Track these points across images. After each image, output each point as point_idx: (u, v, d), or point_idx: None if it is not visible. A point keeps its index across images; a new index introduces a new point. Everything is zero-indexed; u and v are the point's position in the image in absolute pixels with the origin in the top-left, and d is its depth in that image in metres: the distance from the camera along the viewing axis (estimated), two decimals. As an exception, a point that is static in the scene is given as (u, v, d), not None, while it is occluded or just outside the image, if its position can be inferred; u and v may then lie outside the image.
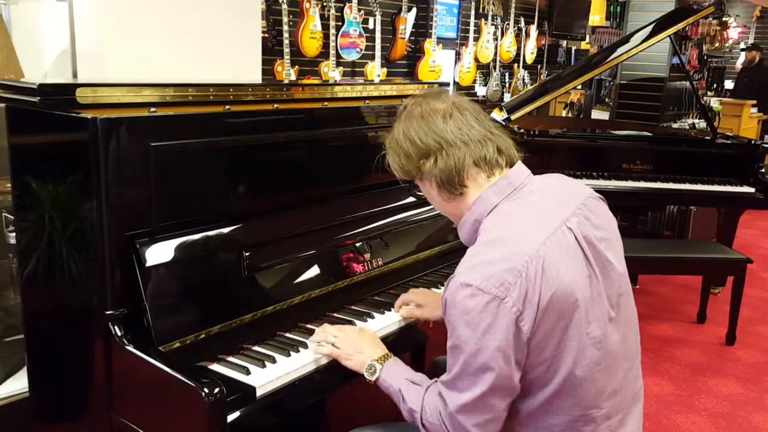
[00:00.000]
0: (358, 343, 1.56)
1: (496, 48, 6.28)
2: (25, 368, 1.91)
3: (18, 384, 2.18)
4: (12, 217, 2.04)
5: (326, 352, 1.57)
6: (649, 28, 4.20)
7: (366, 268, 1.96)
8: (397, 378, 1.46)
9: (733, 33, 8.84)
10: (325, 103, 2.07)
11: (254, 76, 3.04)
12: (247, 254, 1.67)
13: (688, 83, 5.90)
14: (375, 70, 5.08)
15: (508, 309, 1.23)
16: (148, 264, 1.49)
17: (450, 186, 1.39)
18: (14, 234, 1.98)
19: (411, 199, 2.19)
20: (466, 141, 1.38)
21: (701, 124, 6.15)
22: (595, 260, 1.35)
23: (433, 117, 1.39)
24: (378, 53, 5.05)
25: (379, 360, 1.50)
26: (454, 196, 1.41)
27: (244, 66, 2.96)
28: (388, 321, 1.80)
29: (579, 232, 1.34)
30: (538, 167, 1.48)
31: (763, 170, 4.08)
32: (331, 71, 4.79)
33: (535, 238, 1.28)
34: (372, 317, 1.80)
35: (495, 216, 1.37)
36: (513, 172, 1.41)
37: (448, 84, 2.66)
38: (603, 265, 1.36)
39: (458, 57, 5.97)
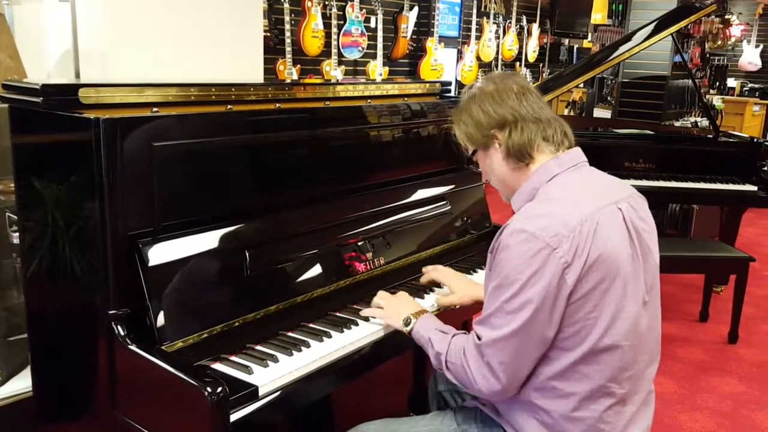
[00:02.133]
0: (398, 304, 1.73)
1: (498, 46, 6.28)
2: (28, 367, 1.91)
3: (21, 383, 2.18)
4: (15, 217, 2.05)
5: (370, 313, 1.76)
6: (651, 27, 4.19)
7: (368, 267, 1.96)
8: (428, 328, 1.58)
9: (735, 31, 8.83)
10: (327, 103, 2.07)
11: (256, 75, 3.04)
12: (249, 254, 1.67)
13: (690, 81, 5.89)
14: (377, 68, 5.08)
15: (557, 259, 1.31)
16: (150, 264, 1.49)
17: (520, 156, 1.49)
18: (18, 234, 1.98)
19: (413, 198, 2.19)
20: (538, 119, 1.49)
21: (704, 122, 6.13)
22: (639, 243, 1.43)
23: (508, 93, 1.50)
24: (380, 52, 5.05)
25: (414, 315, 1.65)
26: (520, 167, 1.50)
27: (245, 65, 2.97)
28: (390, 320, 1.80)
29: (627, 215, 1.43)
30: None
31: (765, 168, 4.07)
32: (333, 70, 4.79)
33: (591, 204, 1.39)
34: (374, 316, 1.80)
35: (554, 183, 1.46)
36: (574, 151, 1.52)
37: (449, 83, 2.66)
38: (644, 250, 1.45)
39: (460, 55, 5.97)
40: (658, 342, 1.53)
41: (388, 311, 1.72)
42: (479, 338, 1.40)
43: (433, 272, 1.98)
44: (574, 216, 1.34)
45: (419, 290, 1.99)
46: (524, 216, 1.38)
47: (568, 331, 1.36)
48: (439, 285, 2.01)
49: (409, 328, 1.63)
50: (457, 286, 1.91)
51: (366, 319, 1.78)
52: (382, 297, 1.78)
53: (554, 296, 1.32)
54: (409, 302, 1.75)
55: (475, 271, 2.20)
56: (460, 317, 2.09)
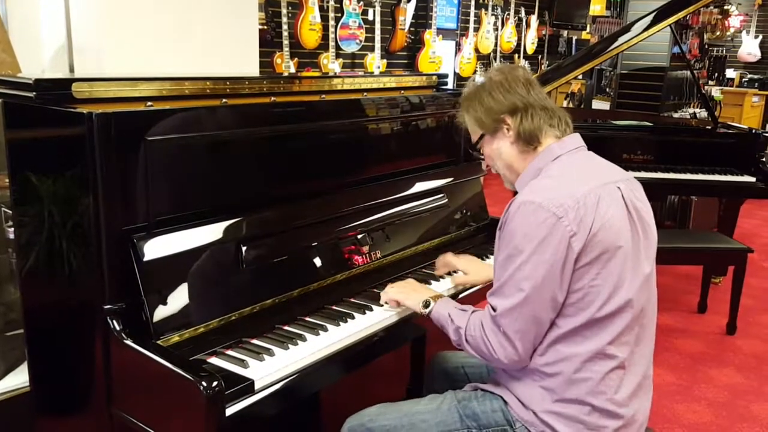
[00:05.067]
0: (415, 287, 1.83)
1: (496, 38, 6.26)
2: (25, 363, 1.91)
3: (19, 378, 2.19)
4: (10, 212, 2.04)
5: (388, 297, 1.82)
6: (650, 18, 4.18)
7: (365, 260, 1.96)
8: (448, 307, 1.65)
9: (734, 21, 8.80)
10: (323, 96, 2.06)
11: (252, 68, 3.03)
12: (245, 247, 1.67)
13: (688, 72, 5.87)
14: (375, 61, 5.07)
15: (563, 227, 1.39)
16: (145, 258, 1.49)
17: (529, 140, 1.57)
18: (13, 229, 1.98)
19: (410, 191, 2.19)
20: (545, 107, 1.59)
21: (702, 113, 6.12)
22: (638, 220, 1.51)
23: (517, 83, 1.59)
24: (378, 45, 5.03)
25: (433, 298, 1.72)
26: (528, 150, 1.59)
27: (241, 59, 2.96)
28: (386, 314, 1.80)
29: (626, 194, 1.50)
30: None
31: (764, 159, 4.07)
32: (330, 63, 4.78)
33: (593, 181, 1.48)
34: (371, 309, 1.80)
35: (557, 162, 1.55)
36: (575, 136, 1.61)
37: (446, 75, 2.66)
38: (644, 226, 1.52)
39: (458, 48, 5.95)
40: (654, 316, 1.57)
41: (407, 294, 1.79)
42: (494, 309, 1.47)
43: (445, 257, 2.08)
44: (577, 189, 1.43)
45: (429, 278, 2.04)
46: (531, 190, 1.48)
47: (572, 297, 1.43)
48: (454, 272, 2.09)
49: (429, 310, 1.69)
50: (471, 268, 2.03)
51: (363, 312, 1.78)
52: (396, 285, 1.85)
53: (562, 262, 1.39)
54: (426, 288, 1.87)
55: (473, 264, 2.20)
56: (475, 302, 2.09)
